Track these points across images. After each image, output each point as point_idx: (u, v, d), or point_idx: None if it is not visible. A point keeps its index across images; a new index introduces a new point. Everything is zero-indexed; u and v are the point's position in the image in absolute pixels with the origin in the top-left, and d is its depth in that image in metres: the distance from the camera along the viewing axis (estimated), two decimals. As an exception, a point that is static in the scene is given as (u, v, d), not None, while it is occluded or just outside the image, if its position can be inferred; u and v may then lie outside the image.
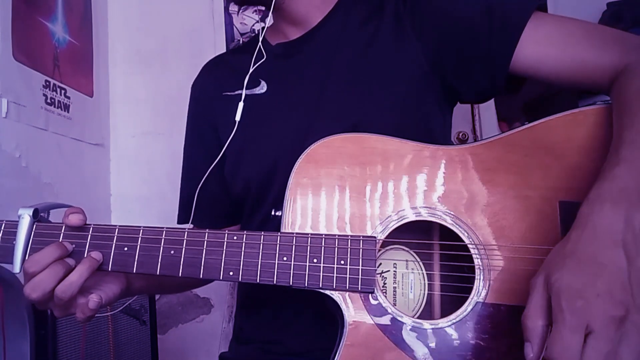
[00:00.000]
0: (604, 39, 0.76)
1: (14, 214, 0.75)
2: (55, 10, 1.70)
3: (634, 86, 0.68)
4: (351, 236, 0.70)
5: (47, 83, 1.61)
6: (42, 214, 0.76)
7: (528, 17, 0.78)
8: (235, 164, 0.93)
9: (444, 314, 0.75)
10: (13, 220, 0.75)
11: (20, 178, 1.47)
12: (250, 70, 0.93)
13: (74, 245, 0.73)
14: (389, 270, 0.77)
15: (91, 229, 0.74)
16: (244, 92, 0.93)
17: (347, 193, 0.73)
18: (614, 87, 0.72)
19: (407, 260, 0.78)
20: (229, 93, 0.96)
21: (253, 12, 2.03)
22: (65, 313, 0.74)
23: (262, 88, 0.93)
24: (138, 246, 0.73)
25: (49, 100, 1.61)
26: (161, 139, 1.96)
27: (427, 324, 0.68)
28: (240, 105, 0.92)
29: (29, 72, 1.53)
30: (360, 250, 0.70)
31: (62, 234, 0.74)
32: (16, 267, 0.73)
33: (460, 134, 1.97)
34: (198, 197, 0.97)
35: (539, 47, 0.78)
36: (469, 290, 0.70)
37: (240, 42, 2.03)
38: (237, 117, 0.92)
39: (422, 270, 0.77)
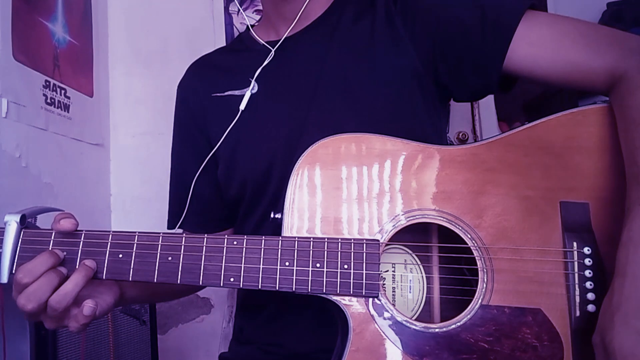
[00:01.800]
0: (600, 40, 0.75)
1: (13, 214, 0.74)
2: (55, 10, 1.70)
3: (638, 100, 0.67)
4: (354, 239, 0.70)
5: (47, 83, 1.61)
6: (29, 220, 0.73)
7: (520, 18, 0.78)
8: (229, 165, 0.92)
9: (443, 315, 0.75)
10: None
11: (20, 178, 1.47)
12: (261, 67, 0.91)
13: (65, 253, 0.71)
14: (387, 271, 0.77)
15: (83, 235, 0.72)
16: (252, 83, 0.91)
17: (349, 194, 0.72)
18: (614, 95, 0.72)
19: (405, 261, 0.78)
20: (218, 94, 0.95)
21: (253, 12, 2.02)
22: (58, 325, 0.71)
23: (254, 88, 0.92)
24: (133, 253, 0.71)
25: (49, 100, 1.61)
26: (161, 139, 1.95)
27: (432, 328, 0.68)
28: (247, 95, 0.91)
29: (29, 72, 1.52)
30: (364, 254, 0.69)
31: (51, 241, 0.71)
32: (3, 277, 0.70)
33: (460, 134, 1.97)
34: (190, 201, 0.96)
35: (532, 49, 0.78)
36: (468, 292, 0.70)
37: (238, 42, 2.02)
38: (242, 107, 0.90)
39: (421, 271, 0.77)
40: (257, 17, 2.00)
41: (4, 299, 1.15)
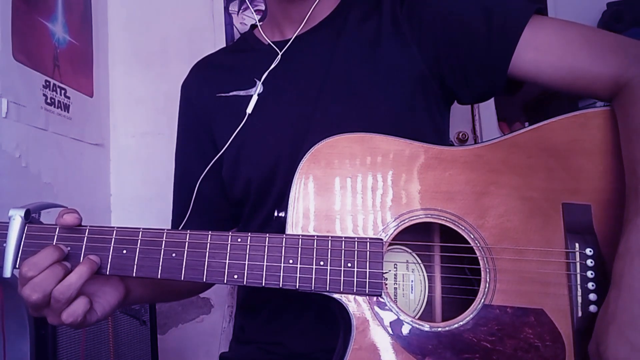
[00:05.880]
0: (605, 47, 0.76)
1: (14, 214, 0.73)
2: (55, 10, 1.69)
3: None
4: (358, 238, 0.70)
5: (47, 83, 1.60)
6: (33, 215, 0.73)
7: (526, 22, 0.78)
8: (234, 165, 0.92)
9: (444, 314, 0.75)
10: (2, 221, 0.72)
11: (20, 178, 1.47)
12: (268, 70, 0.91)
13: (69, 248, 0.71)
14: (389, 271, 0.77)
15: (87, 230, 0.72)
16: (258, 84, 0.91)
17: (352, 193, 0.72)
18: (618, 103, 0.72)
19: (407, 261, 0.78)
20: (223, 94, 0.95)
21: (252, 12, 2.02)
22: (60, 319, 0.70)
23: (259, 89, 0.92)
24: (137, 249, 0.71)
25: (49, 100, 1.60)
26: (161, 139, 1.96)
27: (435, 327, 0.68)
28: (254, 98, 0.91)
29: (29, 72, 1.52)
30: (368, 252, 0.69)
31: (55, 236, 0.71)
32: (7, 271, 0.70)
33: (460, 134, 1.97)
34: (194, 201, 0.96)
35: (537, 54, 0.78)
36: (469, 292, 0.71)
37: (239, 42, 2.02)
38: (249, 110, 0.90)
39: (422, 271, 0.77)
40: (258, 17, 2.00)
41: (4, 299, 1.15)
